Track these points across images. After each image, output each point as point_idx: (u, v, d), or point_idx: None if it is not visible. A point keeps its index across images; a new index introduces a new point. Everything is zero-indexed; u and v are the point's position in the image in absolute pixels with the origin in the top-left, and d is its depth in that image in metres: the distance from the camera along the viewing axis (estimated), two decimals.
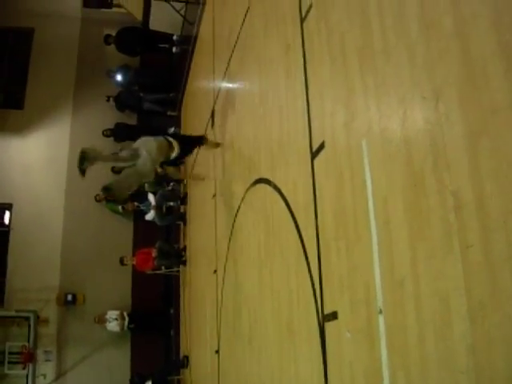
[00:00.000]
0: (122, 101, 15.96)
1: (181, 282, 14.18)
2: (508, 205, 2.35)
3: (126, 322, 14.50)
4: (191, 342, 12.19)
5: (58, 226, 15.63)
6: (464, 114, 2.70)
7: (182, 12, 14.13)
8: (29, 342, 14.35)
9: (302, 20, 5.20)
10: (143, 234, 15.10)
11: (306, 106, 4.94)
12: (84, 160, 6.82)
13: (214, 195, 9.54)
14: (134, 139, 16.05)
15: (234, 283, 7.89)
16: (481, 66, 2.59)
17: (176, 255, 13.73)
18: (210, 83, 10.64)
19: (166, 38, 15.36)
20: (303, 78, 5.05)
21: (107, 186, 7.25)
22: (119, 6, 15.98)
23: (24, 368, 14.14)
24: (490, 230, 2.47)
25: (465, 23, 2.73)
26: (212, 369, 9.12)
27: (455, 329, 2.68)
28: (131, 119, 16.59)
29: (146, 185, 14.04)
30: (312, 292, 4.57)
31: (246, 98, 7.62)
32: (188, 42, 13.55)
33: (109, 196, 7.43)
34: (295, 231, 5.08)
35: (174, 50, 15.32)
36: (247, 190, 7.04)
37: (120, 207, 15.29)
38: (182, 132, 14.32)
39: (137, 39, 15.58)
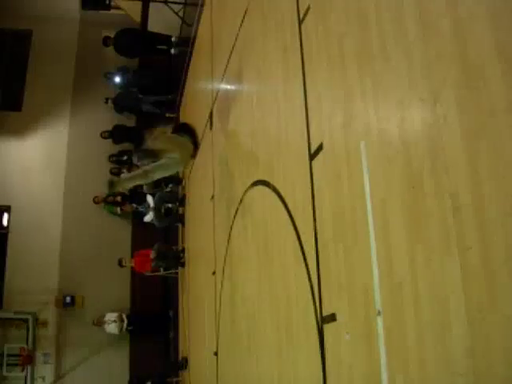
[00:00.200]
0: (120, 103, 15.96)
1: (179, 284, 14.17)
2: (506, 207, 2.35)
3: (125, 324, 14.49)
4: (190, 344, 12.17)
5: (57, 227, 15.63)
6: (462, 115, 2.70)
7: (181, 14, 14.14)
8: (27, 344, 14.34)
9: (300, 22, 5.20)
10: (142, 236, 15.09)
11: (304, 108, 4.94)
12: (112, 186, 6.96)
13: (213, 197, 9.54)
14: (133, 141, 16.17)
15: (232, 285, 7.89)
16: (478, 67, 2.59)
17: (174, 257, 13.72)
18: (208, 85, 10.64)
19: (165, 39, 15.35)
20: (301, 79, 5.05)
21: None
22: (117, 7, 15.98)
23: (23, 370, 14.13)
24: (488, 232, 2.47)
25: (462, 25, 2.73)
26: (211, 371, 9.11)
27: (454, 331, 2.68)
28: (130, 121, 16.59)
29: (145, 186, 14.02)
30: (310, 294, 4.57)
31: (244, 100, 7.62)
32: (186, 43, 13.55)
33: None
34: (293, 233, 5.08)
35: (172, 51, 15.31)
36: (245, 191, 7.03)
37: (118, 209, 15.29)
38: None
39: (135, 41, 15.56)
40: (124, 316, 14.57)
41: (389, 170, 3.37)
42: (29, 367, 14.13)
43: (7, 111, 16.68)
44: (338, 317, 4.05)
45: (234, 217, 7.68)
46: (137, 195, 14.82)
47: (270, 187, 5.97)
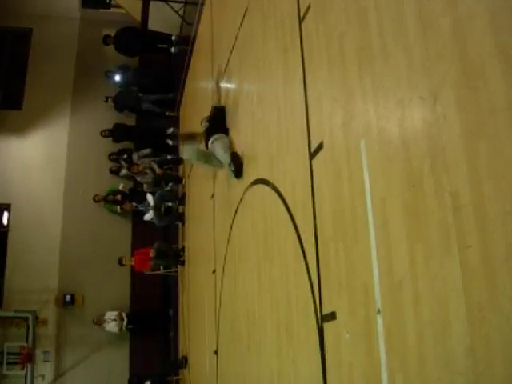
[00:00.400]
0: (120, 101, 15.95)
1: (179, 283, 14.18)
2: (506, 206, 2.35)
3: (125, 323, 14.50)
4: (190, 343, 12.18)
5: (57, 226, 15.64)
6: (462, 114, 2.70)
7: (181, 12, 14.14)
8: (27, 342, 14.35)
9: (301, 21, 5.20)
10: (142, 235, 15.10)
11: (304, 107, 4.94)
12: None
13: (213, 195, 9.54)
14: (133, 139, 16.20)
15: (232, 283, 7.89)
16: (478, 66, 2.59)
17: (174, 255, 13.72)
18: (208, 84, 10.64)
19: (165, 38, 15.37)
20: (301, 78, 5.06)
21: None
22: (118, 6, 15.98)
23: (22, 369, 14.13)
24: (488, 230, 2.47)
25: (462, 24, 2.73)
26: (210, 369, 9.12)
27: (454, 330, 2.68)
28: (130, 120, 16.59)
29: (145, 185, 14.05)
30: (310, 293, 4.57)
31: (244, 99, 7.62)
32: (187, 42, 13.55)
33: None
34: (294, 232, 5.08)
35: (172, 50, 15.33)
36: (245, 190, 7.04)
37: (118, 207, 15.30)
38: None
39: (135, 39, 15.58)
40: (124, 315, 14.58)
41: (389, 169, 3.37)
42: (29, 365, 14.13)
43: (7, 110, 16.70)
44: (337, 315, 4.05)
45: (234, 216, 7.68)
46: (137, 194, 14.83)
47: (269, 186, 5.97)
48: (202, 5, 11.87)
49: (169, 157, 15.10)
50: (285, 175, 5.55)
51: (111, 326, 14.41)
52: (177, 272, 14.24)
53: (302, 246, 4.87)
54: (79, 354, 14.91)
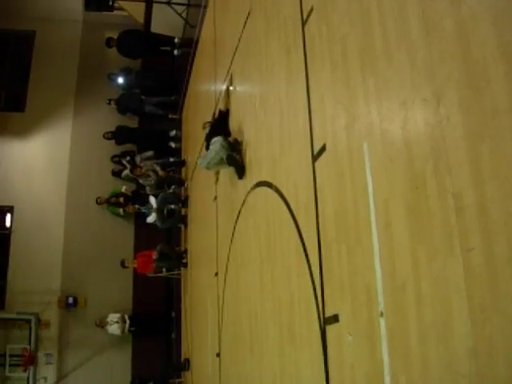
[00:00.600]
0: (123, 104, 15.97)
1: (182, 285, 14.17)
2: (509, 207, 2.35)
3: (127, 325, 14.49)
4: (192, 345, 12.18)
5: (60, 228, 15.63)
6: (465, 116, 2.70)
7: (184, 15, 14.14)
8: (30, 344, 14.34)
9: (304, 23, 5.21)
10: (144, 237, 15.09)
11: (307, 109, 4.94)
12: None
13: (215, 198, 9.55)
14: (136, 142, 16.23)
15: (235, 286, 7.89)
16: (481, 68, 2.59)
17: (176, 258, 13.72)
18: (211, 86, 10.65)
19: (168, 40, 15.38)
20: (304, 80, 5.06)
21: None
22: (121, 8, 15.99)
23: (25, 371, 14.13)
24: (491, 232, 2.46)
25: (465, 25, 2.73)
26: (213, 372, 9.11)
27: (456, 332, 2.68)
28: (132, 122, 16.60)
29: (147, 187, 14.05)
30: (313, 295, 4.57)
31: (247, 101, 7.63)
32: (189, 44, 13.56)
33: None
34: (296, 234, 5.08)
35: (175, 52, 15.35)
36: (248, 192, 7.04)
37: (121, 210, 15.31)
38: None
39: (138, 42, 15.59)
40: (126, 317, 14.57)
41: (392, 171, 3.37)
42: (31, 368, 14.12)
43: (10, 112, 16.70)
44: (340, 318, 4.05)
45: (237, 218, 7.68)
46: (140, 196, 14.83)
47: (272, 188, 5.97)
48: (205, 7, 11.88)
49: (171, 159, 15.10)
50: (287, 177, 5.55)
51: (113, 329, 14.41)
52: (179, 274, 14.23)
53: (304, 248, 4.86)
54: (81, 356, 14.89)
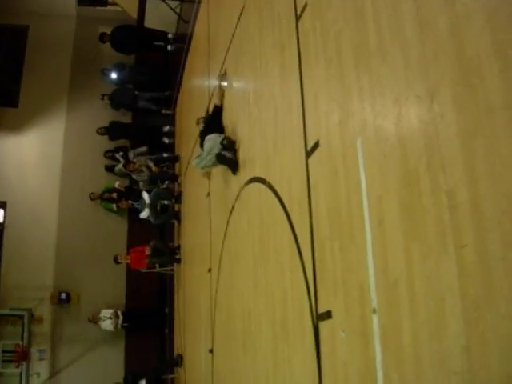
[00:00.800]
0: (116, 99, 15.92)
1: (175, 281, 14.16)
2: (502, 205, 2.35)
3: (120, 321, 14.48)
4: (185, 341, 12.17)
5: (53, 224, 15.61)
6: (459, 113, 2.70)
7: (177, 10, 14.11)
8: (23, 340, 14.33)
9: (297, 19, 5.20)
10: (138, 233, 15.08)
11: (300, 105, 4.94)
12: None
13: (209, 194, 9.53)
14: (129, 137, 16.20)
15: (228, 282, 7.89)
16: (475, 65, 2.58)
17: (170, 253, 13.71)
18: (204, 82, 10.63)
19: (161, 36, 15.35)
20: (298, 76, 5.05)
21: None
22: (114, 3, 15.94)
23: (18, 366, 14.11)
24: (484, 229, 2.46)
25: (459, 23, 2.73)
26: (206, 368, 9.11)
27: (449, 329, 2.68)
28: (126, 117, 16.57)
29: (141, 183, 14.03)
30: (306, 291, 4.56)
31: (240, 97, 7.61)
32: (183, 40, 13.53)
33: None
34: (289, 230, 5.07)
35: (169, 48, 15.32)
36: (242, 188, 7.03)
37: (114, 205, 15.28)
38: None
39: (132, 37, 15.55)
40: (119, 313, 14.56)
41: (385, 168, 3.37)
42: (24, 363, 14.11)
43: (4, 107, 16.63)
44: (333, 314, 4.05)
45: (230, 214, 7.67)
46: (133, 192, 14.81)
47: (266, 184, 5.97)
48: (199, 2, 11.84)
49: (165, 155, 15.08)
50: (281, 173, 5.54)
51: (106, 324, 14.39)
52: (172, 270, 14.22)
53: (297, 245, 4.86)
54: (74, 352, 14.87)
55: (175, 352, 13.37)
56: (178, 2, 13.97)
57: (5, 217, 15.65)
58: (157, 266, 14.08)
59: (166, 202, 13.40)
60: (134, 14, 15.54)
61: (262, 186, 6.06)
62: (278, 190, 5.56)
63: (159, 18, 15.03)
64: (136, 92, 15.76)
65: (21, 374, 14.09)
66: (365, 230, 3.55)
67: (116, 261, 14.02)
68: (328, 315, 4.11)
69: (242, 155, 7.25)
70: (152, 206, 13.11)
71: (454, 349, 2.64)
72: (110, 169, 15.85)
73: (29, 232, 15.28)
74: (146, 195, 13.33)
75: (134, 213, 14.57)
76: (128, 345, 15.05)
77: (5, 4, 16.25)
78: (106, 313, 14.44)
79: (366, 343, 3.47)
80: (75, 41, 17.26)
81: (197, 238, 10.93)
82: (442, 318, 2.73)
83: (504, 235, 2.34)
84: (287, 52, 5.48)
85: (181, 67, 13.88)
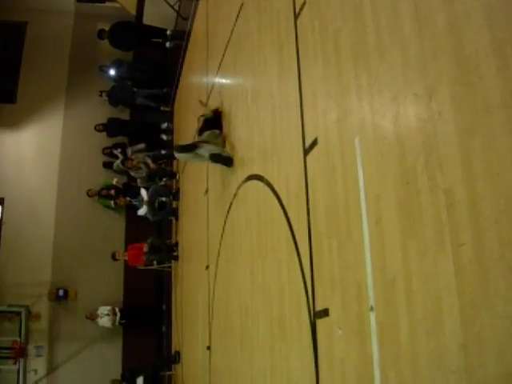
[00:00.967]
0: (114, 96, 15.90)
1: (173, 278, 14.17)
2: (500, 203, 2.35)
3: (118, 318, 14.48)
4: (183, 338, 12.18)
5: (50, 220, 15.59)
6: (457, 112, 2.69)
7: (176, 7, 14.10)
8: (20, 337, 14.31)
9: (296, 17, 5.19)
10: (135, 229, 15.06)
11: (299, 103, 4.93)
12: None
13: (207, 191, 9.53)
14: (127, 134, 16.17)
15: (225, 279, 7.89)
16: (474, 64, 2.58)
17: (167, 250, 13.71)
18: (203, 79, 10.62)
19: (160, 32, 15.33)
20: (296, 74, 5.04)
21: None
22: (113, 0, 15.92)
23: (15, 363, 14.09)
24: (482, 228, 2.46)
25: (458, 21, 2.73)
26: (203, 365, 9.12)
27: (446, 328, 2.68)
28: (124, 114, 16.55)
29: (139, 180, 14.02)
30: (304, 289, 4.57)
31: (239, 95, 7.61)
32: (181, 37, 13.52)
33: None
34: (287, 228, 5.07)
35: (167, 44, 15.29)
36: (239, 186, 7.03)
37: (112, 202, 15.28)
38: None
39: (130, 34, 15.52)
40: (117, 309, 14.56)
41: (383, 166, 3.37)
42: (21, 360, 14.09)
43: (1, 103, 16.60)
44: (330, 312, 4.05)
45: (228, 211, 7.67)
46: (131, 189, 14.79)
47: (263, 182, 5.96)
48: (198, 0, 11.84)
49: (163, 152, 15.06)
50: (279, 171, 5.54)
51: (104, 321, 14.39)
52: (170, 267, 14.22)
53: (295, 243, 4.86)
54: (72, 348, 14.87)
55: (173, 349, 13.38)
56: None
57: (2, 213, 15.64)
58: (154, 262, 14.09)
59: (163, 199, 13.40)
60: (133, 11, 15.54)
61: (260, 184, 6.06)
62: (276, 188, 5.56)
63: (158, 14, 15.02)
64: (134, 89, 15.74)
65: (18, 370, 14.07)
66: (362, 227, 3.55)
67: (114, 258, 14.03)
68: (325, 313, 4.12)
69: (240, 153, 7.25)
70: (150, 203, 13.11)
71: (450, 347, 2.64)
72: (107, 165, 15.83)
73: (26, 228, 15.27)
74: (143, 192, 13.32)
75: (131, 210, 14.57)
76: (126, 342, 15.05)
77: (3, 0, 16.22)
78: (104, 309, 14.44)
79: (363, 341, 3.47)
80: (73, 37, 17.23)
81: (194, 235, 10.92)
82: (439, 316, 2.74)
83: (501, 234, 2.34)
84: (286, 50, 5.48)
85: (179, 64, 13.86)
